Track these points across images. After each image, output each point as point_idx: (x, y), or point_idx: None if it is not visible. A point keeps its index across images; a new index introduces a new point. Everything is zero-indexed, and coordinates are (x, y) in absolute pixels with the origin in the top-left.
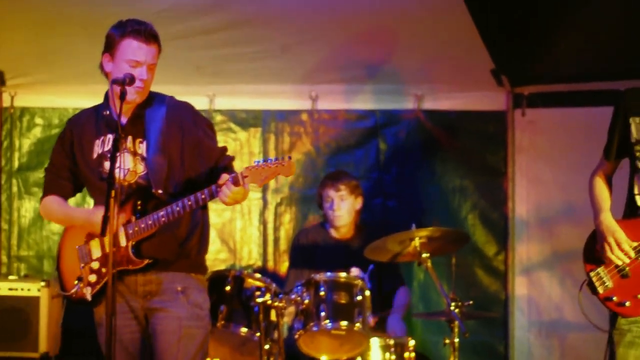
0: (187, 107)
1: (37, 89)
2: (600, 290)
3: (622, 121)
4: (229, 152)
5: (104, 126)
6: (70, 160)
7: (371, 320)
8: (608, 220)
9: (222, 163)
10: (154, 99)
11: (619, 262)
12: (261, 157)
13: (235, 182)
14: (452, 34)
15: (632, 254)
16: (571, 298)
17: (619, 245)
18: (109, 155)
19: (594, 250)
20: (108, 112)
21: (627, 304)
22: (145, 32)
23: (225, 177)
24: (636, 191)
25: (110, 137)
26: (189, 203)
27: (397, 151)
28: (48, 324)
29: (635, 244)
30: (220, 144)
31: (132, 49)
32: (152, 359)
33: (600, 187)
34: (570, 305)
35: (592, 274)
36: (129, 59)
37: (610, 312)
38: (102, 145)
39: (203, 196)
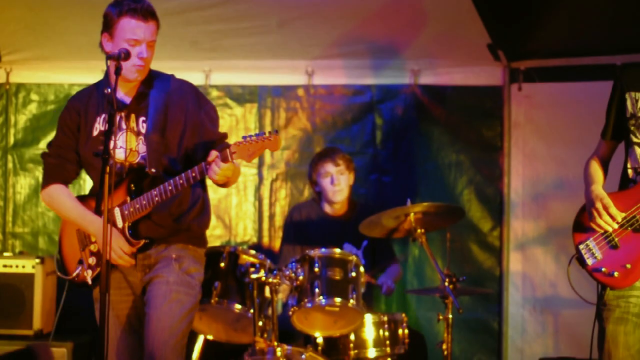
0: (191, 87)
1: (32, 65)
2: (589, 262)
3: (618, 97)
4: (225, 128)
5: (105, 104)
6: (75, 140)
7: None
8: (597, 189)
9: (218, 148)
10: (158, 77)
11: (608, 228)
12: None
13: (224, 159)
14: (448, 8)
15: (619, 218)
16: (565, 274)
17: (606, 209)
18: (112, 130)
19: (583, 222)
20: (109, 90)
21: (616, 274)
22: (143, 10)
23: (213, 153)
24: (629, 165)
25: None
26: (181, 182)
27: (393, 126)
28: (42, 300)
29: (624, 214)
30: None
31: (131, 27)
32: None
33: (594, 167)
34: (564, 282)
35: (581, 246)
36: (128, 38)
37: (599, 286)
38: (104, 123)
39: (194, 174)
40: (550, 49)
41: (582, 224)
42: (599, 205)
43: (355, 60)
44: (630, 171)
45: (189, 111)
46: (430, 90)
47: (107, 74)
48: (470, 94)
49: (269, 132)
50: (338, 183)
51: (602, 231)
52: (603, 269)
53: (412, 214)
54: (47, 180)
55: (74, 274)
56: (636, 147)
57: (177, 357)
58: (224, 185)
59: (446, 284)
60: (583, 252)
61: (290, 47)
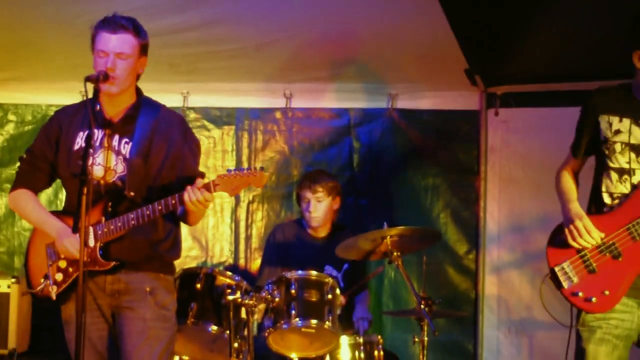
0: (180, 120)
1: (10, 85)
2: (565, 284)
3: (591, 119)
4: (202, 150)
5: (90, 121)
6: (52, 152)
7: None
8: (576, 207)
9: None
10: (148, 104)
11: (587, 245)
12: (234, 154)
13: (207, 189)
14: (426, 33)
15: (599, 239)
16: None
17: (586, 229)
18: (90, 150)
19: (559, 242)
20: (98, 108)
21: (594, 299)
22: (113, 22)
23: (200, 181)
24: (604, 189)
25: (97, 131)
26: (159, 207)
27: (370, 150)
28: (17, 320)
29: (602, 235)
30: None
31: (101, 39)
32: (119, 357)
33: (567, 180)
34: (539, 304)
35: (557, 268)
36: (97, 49)
37: (572, 308)
38: (86, 139)
39: (173, 201)
40: (528, 75)
41: (558, 243)
42: (578, 223)
43: (333, 84)
44: (605, 195)
45: (174, 142)
46: (408, 114)
47: (96, 92)
48: (447, 118)
49: (255, 168)
50: (314, 210)
51: (581, 249)
52: (580, 294)
53: (388, 237)
54: (16, 185)
55: (38, 288)
56: (612, 172)
57: None
58: (187, 216)
59: (422, 306)
60: (559, 274)
61: (268, 70)
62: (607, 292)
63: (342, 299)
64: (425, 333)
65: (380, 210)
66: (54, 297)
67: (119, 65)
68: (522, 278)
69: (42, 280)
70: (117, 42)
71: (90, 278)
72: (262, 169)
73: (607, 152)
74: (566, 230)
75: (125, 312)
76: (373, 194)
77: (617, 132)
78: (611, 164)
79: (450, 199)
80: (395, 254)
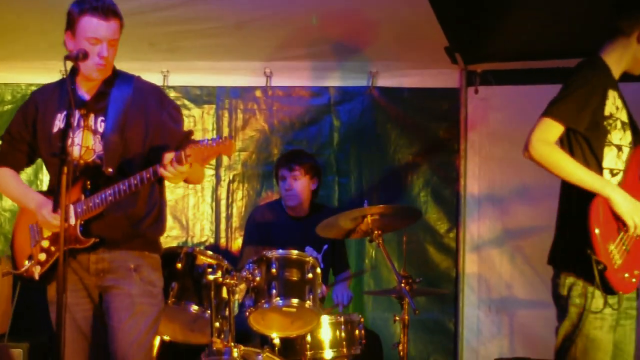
0: (154, 89)
1: None
2: (616, 264)
3: (601, 90)
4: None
5: (67, 100)
6: (29, 134)
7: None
8: (624, 194)
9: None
10: (120, 77)
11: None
12: (214, 133)
13: (179, 161)
14: (406, 11)
15: None
16: (521, 275)
17: None
18: (69, 131)
19: (604, 220)
20: (73, 87)
21: (633, 280)
22: (104, 8)
23: (168, 156)
24: (604, 164)
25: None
26: (135, 182)
27: (350, 128)
28: None
29: None
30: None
31: (92, 26)
32: (105, 336)
33: (569, 158)
34: (519, 283)
35: (605, 252)
36: (88, 36)
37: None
38: (64, 120)
39: (148, 175)
40: (507, 52)
41: (603, 221)
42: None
43: (313, 62)
44: (606, 172)
45: (150, 112)
46: (388, 92)
47: (72, 71)
48: (427, 96)
49: (224, 137)
50: (290, 188)
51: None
52: (625, 275)
53: (369, 216)
54: None
55: (23, 269)
56: (614, 148)
57: None
58: (187, 181)
59: (402, 285)
60: (604, 259)
61: (248, 48)
62: (636, 272)
63: (324, 289)
64: (406, 312)
65: (361, 189)
66: (36, 277)
67: (110, 52)
68: (503, 256)
69: (27, 261)
70: (110, 30)
71: (74, 258)
72: (230, 136)
73: (608, 127)
74: (629, 222)
75: (111, 290)
76: (353, 172)
77: (617, 108)
78: (612, 140)
79: (430, 177)
80: (375, 232)
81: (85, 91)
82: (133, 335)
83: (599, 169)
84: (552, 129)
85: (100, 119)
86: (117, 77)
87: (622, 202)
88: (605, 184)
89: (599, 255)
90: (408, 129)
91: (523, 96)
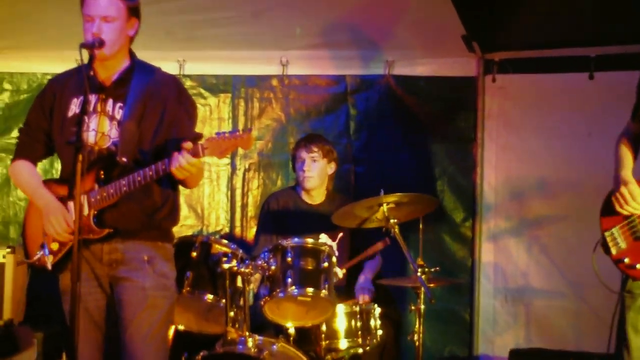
0: (175, 82)
1: (5, 54)
2: (613, 251)
3: None
4: (199, 118)
5: (84, 86)
6: (46, 122)
7: (340, 271)
8: (625, 174)
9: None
10: (141, 66)
11: (635, 212)
12: (230, 122)
13: (195, 153)
14: None
15: None
16: (537, 265)
17: (632, 196)
18: (85, 115)
19: (610, 209)
20: (92, 73)
21: (638, 266)
22: None
23: (187, 145)
24: None
25: (90, 97)
26: (150, 173)
27: (367, 117)
28: (13, 290)
29: None
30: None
31: (86, 4)
32: (116, 327)
33: (622, 146)
34: (536, 273)
35: (606, 233)
36: (84, 14)
37: (623, 274)
38: (80, 105)
39: (163, 166)
40: (525, 41)
41: (610, 209)
42: (624, 190)
43: (329, 51)
44: None
45: (168, 105)
46: (405, 81)
47: (91, 57)
48: (444, 85)
49: (242, 130)
50: (309, 169)
51: (629, 216)
52: (626, 260)
53: (385, 204)
54: (15, 156)
55: (35, 258)
56: None
57: None
58: (182, 182)
59: (419, 274)
60: (608, 240)
61: (264, 37)
62: None
63: (339, 272)
64: (422, 301)
65: (377, 177)
66: (49, 266)
67: (105, 29)
68: (519, 246)
69: (39, 250)
70: (102, 6)
71: (86, 247)
72: (249, 130)
73: None
74: (613, 198)
75: (123, 283)
76: (369, 161)
77: None
78: None
79: (447, 166)
80: (391, 221)
81: (104, 78)
82: (146, 329)
83: None
84: (627, 124)
85: (118, 105)
86: (138, 67)
87: (615, 180)
88: (617, 169)
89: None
90: (424, 117)
91: (541, 85)
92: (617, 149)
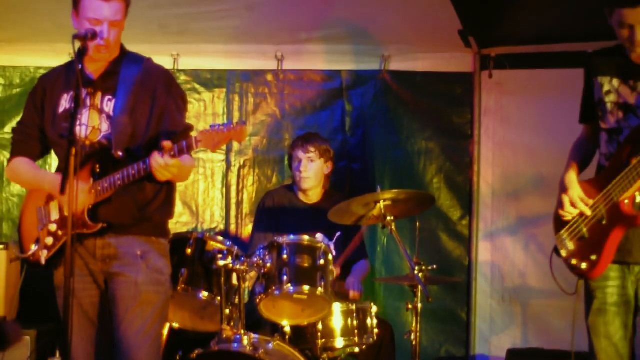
0: (164, 73)
1: None
2: (563, 253)
3: (588, 82)
4: (193, 113)
5: (74, 80)
6: (39, 117)
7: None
8: (567, 177)
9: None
10: (129, 57)
11: (568, 217)
12: (225, 118)
13: (189, 146)
14: None
15: (584, 208)
16: (535, 264)
17: (571, 202)
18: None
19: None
20: (80, 67)
21: (583, 265)
22: None
23: (167, 144)
24: (600, 150)
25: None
26: (143, 167)
27: (362, 113)
28: (6, 287)
29: (592, 202)
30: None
31: (92, 7)
32: (111, 323)
33: (573, 151)
34: (533, 272)
35: (557, 236)
36: (89, 17)
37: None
38: (70, 100)
39: (144, 166)
40: (522, 36)
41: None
42: (562, 196)
43: (325, 46)
44: (601, 157)
45: (157, 96)
46: (401, 77)
47: (79, 52)
48: (440, 80)
49: (236, 123)
50: (305, 170)
51: (570, 219)
52: (573, 261)
53: (381, 201)
54: (11, 156)
55: (30, 253)
56: (603, 134)
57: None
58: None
59: (416, 272)
60: (558, 242)
61: (259, 31)
62: (593, 257)
63: (334, 270)
64: (419, 300)
65: (373, 174)
66: (43, 261)
67: (112, 34)
68: (516, 245)
69: (34, 245)
70: (111, 11)
71: (80, 243)
72: (243, 122)
73: (600, 113)
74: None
75: (117, 278)
76: (365, 158)
77: (608, 92)
78: (603, 125)
79: (443, 163)
80: (388, 218)
81: (92, 71)
82: (139, 325)
83: (600, 154)
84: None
85: (107, 97)
86: (125, 57)
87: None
88: (564, 171)
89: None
90: (421, 113)
91: (538, 80)
92: (570, 152)
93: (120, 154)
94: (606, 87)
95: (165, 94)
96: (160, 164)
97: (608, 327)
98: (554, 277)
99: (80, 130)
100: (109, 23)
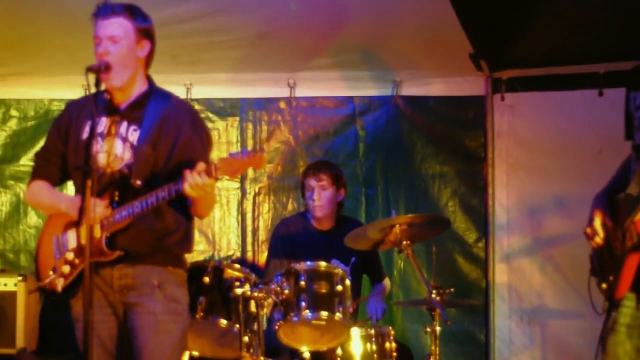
0: (190, 109)
1: (11, 80)
2: (592, 272)
3: (626, 96)
4: None
5: (101, 108)
6: (63, 144)
7: (350, 307)
8: (596, 201)
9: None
10: (158, 92)
11: (593, 243)
12: (239, 146)
13: (208, 173)
14: (430, 19)
15: (602, 234)
16: (552, 284)
17: (594, 232)
18: (98, 137)
19: None
20: (109, 97)
21: (603, 285)
22: (104, 9)
23: (200, 165)
24: (631, 167)
25: (104, 119)
26: (162, 194)
27: (376, 138)
28: (25, 318)
29: (602, 232)
30: None
31: (95, 28)
32: (131, 353)
33: (616, 173)
34: (551, 292)
35: (590, 255)
36: (94, 37)
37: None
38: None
39: (175, 187)
40: (533, 59)
41: None
42: (587, 229)
43: (337, 72)
44: (632, 175)
45: (183, 130)
46: (413, 101)
47: (97, 83)
48: (453, 104)
49: (255, 150)
50: (318, 198)
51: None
52: (598, 280)
53: (397, 226)
54: (31, 178)
55: (46, 281)
56: (633, 151)
57: None
58: (195, 205)
59: (433, 295)
60: (590, 261)
61: (271, 59)
62: (611, 278)
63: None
64: (437, 323)
65: (387, 199)
66: (59, 289)
67: (111, 49)
68: (533, 266)
69: (51, 272)
70: (109, 27)
71: (96, 273)
72: (261, 149)
73: (631, 129)
74: None
75: (135, 308)
76: (380, 183)
77: (638, 108)
78: (633, 142)
79: (458, 186)
80: (404, 242)
81: (120, 101)
82: (158, 355)
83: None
84: None
85: (132, 127)
86: (154, 92)
87: None
88: None
89: None
90: (434, 138)
91: (550, 102)
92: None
93: (139, 182)
94: (638, 102)
95: (191, 128)
96: (198, 182)
97: (617, 347)
98: (590, 296)
99: (100, 158)
100: (108, 38)
